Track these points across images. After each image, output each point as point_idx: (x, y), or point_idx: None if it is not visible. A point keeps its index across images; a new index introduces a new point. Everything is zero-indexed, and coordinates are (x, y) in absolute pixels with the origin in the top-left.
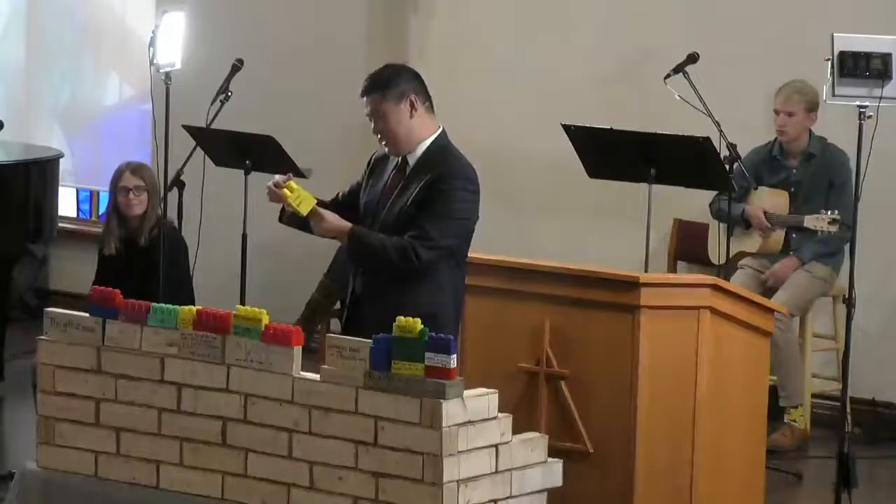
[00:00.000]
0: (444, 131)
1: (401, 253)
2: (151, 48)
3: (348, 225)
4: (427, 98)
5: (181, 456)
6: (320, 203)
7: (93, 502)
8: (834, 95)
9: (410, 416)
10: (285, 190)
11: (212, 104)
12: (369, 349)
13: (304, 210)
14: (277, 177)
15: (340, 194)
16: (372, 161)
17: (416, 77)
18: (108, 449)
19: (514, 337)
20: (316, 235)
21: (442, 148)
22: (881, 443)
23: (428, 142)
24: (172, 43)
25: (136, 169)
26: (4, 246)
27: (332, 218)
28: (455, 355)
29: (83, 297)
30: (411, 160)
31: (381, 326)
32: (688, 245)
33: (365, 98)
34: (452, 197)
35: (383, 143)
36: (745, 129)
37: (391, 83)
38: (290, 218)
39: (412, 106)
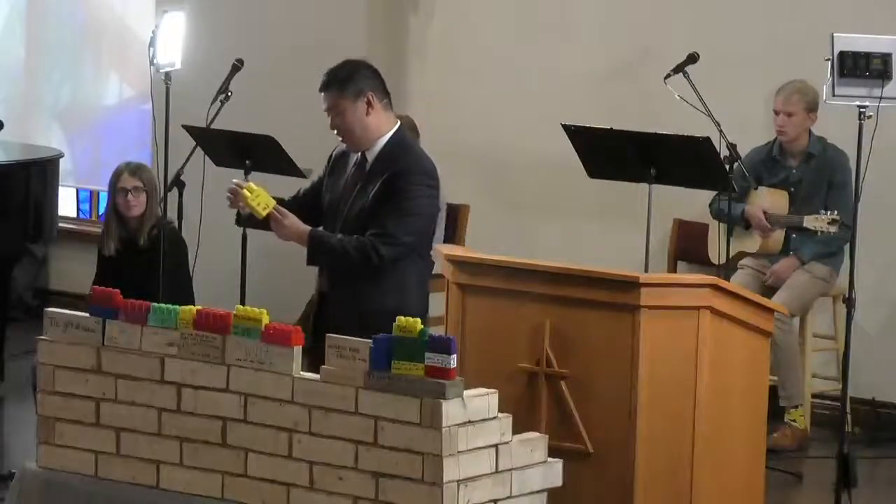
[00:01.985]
0: (401, 127)
1: (361, 252)
2: (151, 48)
3: (307, 229)
4: (385, 95)
5: (181, 456)
6: (281, 202)
7: (93, 502)
8: (834, 95)
9: (410, 416)
10: (245, 191)
11: (212, 104)
12: (369, 349)
13: (262, 212)
14: (235, 180)
15: (301, 191)
16: (332, 157)
17: (375, 74)
18: (108, 449)
19: (514, 337)
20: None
21: (400, 144)
22: (881, 443)
23: (385, 138)
24: (172, 43)
25: (135, 170)
26: (4, 246)
27: (290, 222)
28: (455, 355)
29: (83, 297)
30: (370, 157)
31: (347, 324)
32: (688, 245)
33: (323, 93)
34: (412, 193)
35: (340, 138)
36: (745, 129)
37: (349, 80)
38: (249, 218)
39: (369, 103)
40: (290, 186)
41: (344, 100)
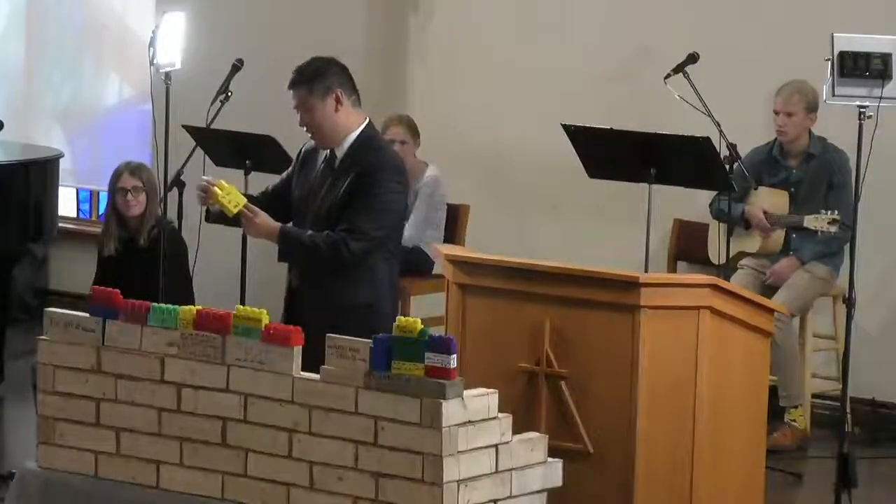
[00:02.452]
0: (370, 123)
1: (332, 248)
2: (151, 48)
3: (277, 225)
4: (353, 92)
5: (181, 456)
6: (251, 199)
7: (93, 502)
8: (834, 95)
9: (410, 416)
10: (216, 189)
11: (212, 104)
12: (369, 349)
13: (233, 209)
14: (205, 177)
15: (270, 187)
16: (302, 153)
17: (343, 71)
18: (108, 449)
19: (514, 337)
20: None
21: (368, 140)
22: (881, 443)
23: (354, 135)
24: (172, 43)
25: (135, 170)
26: (4, 246)
27: (261, 220)
28: (455, 355)
29: (83, 297)
30: (339, 153)
31: (319, 319)
32: (688, 245)
33: (292, 90)
34: (381, 189)
35: (309, 135)
36: (745, 129)
37: (317, 77)
38: (219, 215)
39: (338, 101)
40: None
41: (312, 97)
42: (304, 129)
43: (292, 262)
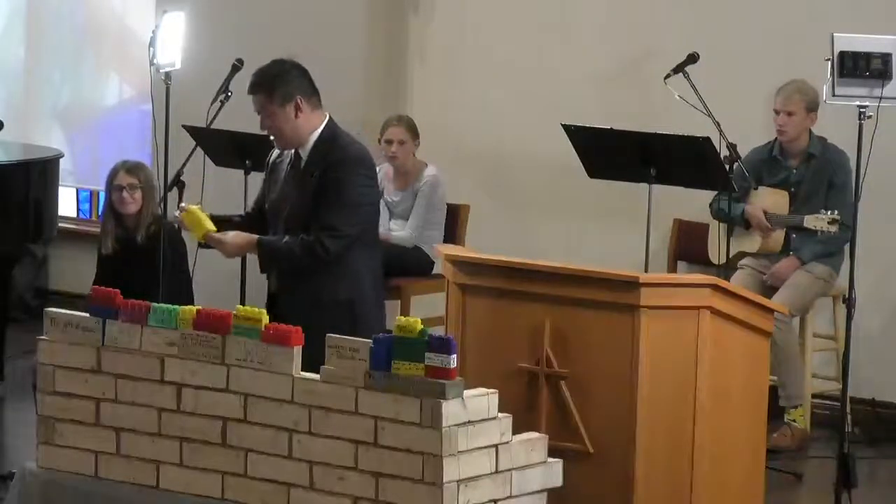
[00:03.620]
0: (331, 119)
1: (308, 250)
2: (151, 48)
3: (252, 238)
4: (313, 93)
5: (181, 456)
6: (230, 223)
7: (93, 502)
8: (834, 95)
9: (410, 416)
10: (183, 214)
11: (212, 104)
12: (369, 349)
13: (197, 235)
14: (182, 204)
15: (255, 202)
16: (269, 164)
17: (303, 74)
18: (108, 449)
19: (514, 337)
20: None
21: (331, 137)
22: (881, 443)
23: (317, 133)
24: (172, 43)
25: (131, 168)
26: (4, 246)
27: (231, 238)
28: (455, 355)
29: (83, 297)
30: (303, 154)
31: (302, 319)
32: (688, 245)
33: (251, 94)
34: (349, 184)
35: (272, 137)
36: (745, 129)
37: (276, 84)
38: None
39: (297, 108)
40: None
41: (272, 104)
42: (266, 132)
43: (273, 270)
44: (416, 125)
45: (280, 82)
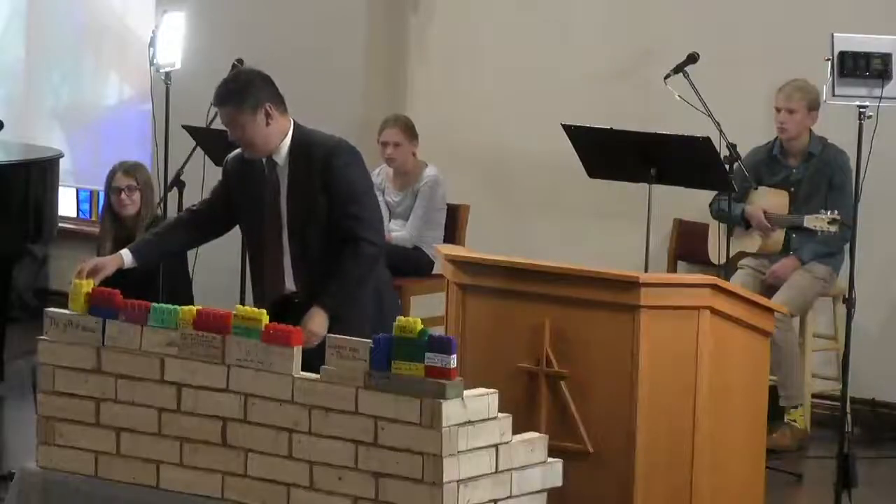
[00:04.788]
0: (296, 123)
1: (364, 259)
2: (151, 48)
3: (319, 311)
4: (281, 100)
5: (181, 456)
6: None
7: (93, 502)
8: (834, 95)
9: (410, 416)
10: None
11: (212, 104)
12: (369, 349)
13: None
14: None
15: (196, 207)
16: (227, 167)
17: (268, 81)
18: (108, 449)
19: (514, 337)
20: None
21: (304, 137)
22: (881, 443)
23: (288, 138)
24: (172, 43)
25: (129, 169)
26: (4, 246)
27: (314, 328)
28: (455, 355)
29: None
30: (278, 159)
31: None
32: (688, 245)
33: (219, 109)
34: (352, 173)
35: (242, 148)
36: (745, 129)
37: (245, 94)
38: None
39: (268, 115)
40: None
41: (242, 115)
42: (236, 142)
43: (359, 296)
44: (414, 125)
45: (248, 91)
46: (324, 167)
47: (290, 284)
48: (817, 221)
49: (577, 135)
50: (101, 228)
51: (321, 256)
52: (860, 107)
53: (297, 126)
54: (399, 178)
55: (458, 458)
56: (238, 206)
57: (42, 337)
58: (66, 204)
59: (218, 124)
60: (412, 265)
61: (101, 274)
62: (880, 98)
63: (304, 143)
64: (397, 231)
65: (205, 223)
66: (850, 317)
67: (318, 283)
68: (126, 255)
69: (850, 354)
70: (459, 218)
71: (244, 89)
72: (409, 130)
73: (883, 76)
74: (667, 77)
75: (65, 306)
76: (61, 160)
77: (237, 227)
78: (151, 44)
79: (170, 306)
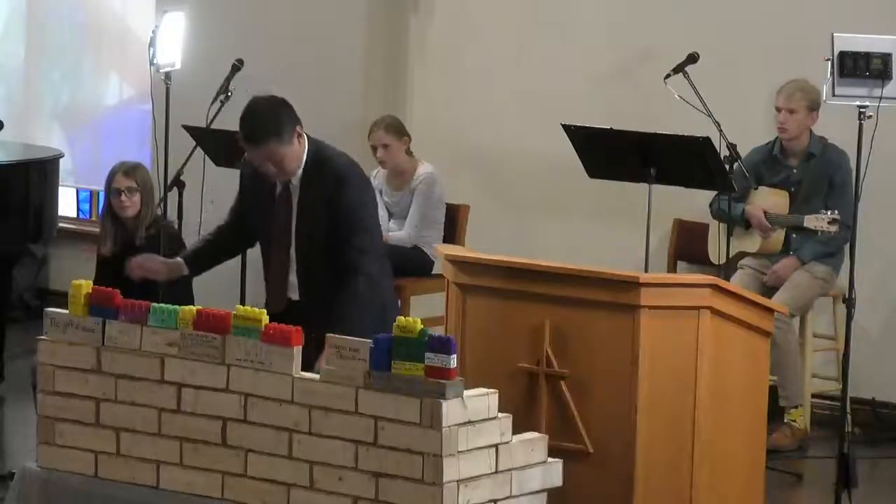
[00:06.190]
0: (308, 136)
1: (362, 291)
2: (151, 48)
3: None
4: (298, 118)
5: (181, 456)
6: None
7: (93, 502)
8: (834, 95)
9: (410, 416)
10: None
11: (212, 104)
12: (369, 349)
13: None
14: None
15: (224, 222)
16: (244, 181)
17: (287, 104)
18: (108, 449)
19: (514, 337)
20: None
21: (319, 153)
22: (881, 443)
23: (305, 154)
24: (172, 43)
25: (129, 170)
26: (4, 246)
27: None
28: (455, 355)
29: None
30: (294, 178)
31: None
32: (688, 245)
33: (253, 145)
34: (358, 202)
35: (272, 173)
36: (745, 129)
37: (281, 126)
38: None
39: (299, 137)
40: None
41: (281, 147)
42: (268, 171)
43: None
44: (401, 123)
45: (281, 122)
46: (333, 193)
47: (293, 296)
48: (817, 221)
49: (577, 135)
50: (102, 229)
51: (326, 276)
52: (860, 107)
53: (311, 142)
54: (395, 177)
55: (458, 458)
56: (251, 217)
57: (42, 337)
58: (66, 204)
59: (218, 124)
60: (412, 265)
61: (154, 275)
62: (880, 98)
63: (318, 160)
64: (396, 231)
65: (236, 236)
66: (850, 317)
67: (321, 298)
68: (182, 264)
69: (850, 354)
70: (459, 218)
71: (277, 121)
72: (396, 130)
73: (883, 76)
74: (667, 77)
75: (65, 306)
76: (61, 160)
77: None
78: (151, 44)
79: (170, 306)
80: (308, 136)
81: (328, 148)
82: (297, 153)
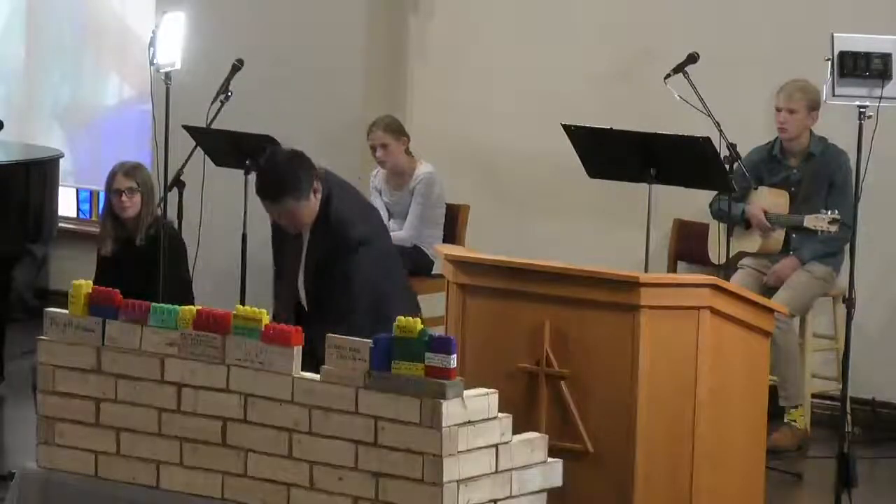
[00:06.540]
0: (326, 179)
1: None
2: (151, 48)
3: None
4: (315, 172)
5: (181, 456)
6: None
7: (93, 502)
8: (834, 95)
9: (410, 416)
10: None
11: (212, 104)
12: (369, 349)
13: None
14: None
15: (281, 279)
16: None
17: (305, 157)
18: (108, 449)
19: (514, 337)
20: None
21: (330, 212)
22: (881, 443)
23: (318, 208)
24: (172, 43)
25: (129, 171)
26: (4, 246)
27: None
28: (455, 355)
29: None
30: (305, 232)
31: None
32: (688, 245)
33: (272, 203)
34: (351, 269)
35: (285, 225)
36: (745, 129)
37: (300, 183)
38: None
39: (316, 192)
40: None
41: (301, 202)
42: (289, 228)
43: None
44: (400, 122)
45: (300, 179)
46: (329, 252)
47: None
48: (817, 221)
49: (577, 135)
50: (102, 229)
51: (329, 314)
52: (860, 107)
53: (325, 191)
54: (394, 177)
55: (458, 458)
56: (275, 240)
57: (42, 337)
58: (66, 204)
59: (218, 124)
60: (412, 265)
61: None
62: (880, 98)
63: (327, 218)
64: (395, 231)
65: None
66: (850, 317)
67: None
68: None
69: (850, 354)
70: (459, 218)
71: (296, 179)
72: (395, 130)
73: (883, 76)
74: (667, 77)
75: (65, 306)
76: (61, 160)
77: (200, 229)
78: (151, 44)
79: (170, 306)
80: (325, 179)
81: (340, 207)
82: (312, 209)
